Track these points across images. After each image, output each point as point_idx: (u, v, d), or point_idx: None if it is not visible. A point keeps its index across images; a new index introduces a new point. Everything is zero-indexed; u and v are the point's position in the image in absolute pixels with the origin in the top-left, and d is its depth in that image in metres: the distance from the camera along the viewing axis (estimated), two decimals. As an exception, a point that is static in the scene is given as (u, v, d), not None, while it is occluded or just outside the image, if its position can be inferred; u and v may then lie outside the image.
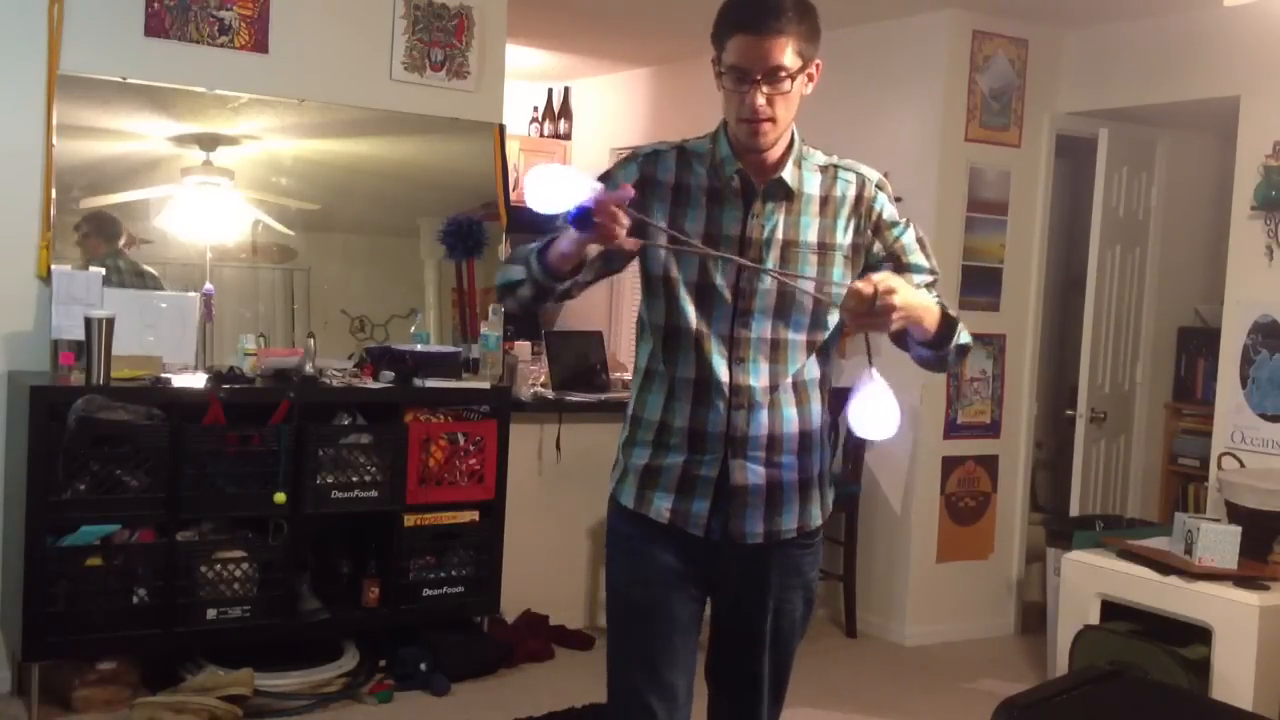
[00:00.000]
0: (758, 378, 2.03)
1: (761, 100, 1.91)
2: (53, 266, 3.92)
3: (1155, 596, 3.90)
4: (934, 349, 2.01)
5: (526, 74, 6.87)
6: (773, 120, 1.93)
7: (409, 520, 4.17)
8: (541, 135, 7.37)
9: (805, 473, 2.10)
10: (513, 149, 6.51)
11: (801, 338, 2.05)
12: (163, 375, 3.89)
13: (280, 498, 3.90)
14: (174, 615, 3.77)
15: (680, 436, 2.06)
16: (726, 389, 2.02)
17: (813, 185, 2.05)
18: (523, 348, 4.95)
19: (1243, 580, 3.77)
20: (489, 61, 4.80)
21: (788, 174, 2.02)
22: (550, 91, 7.35)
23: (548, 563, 4.80)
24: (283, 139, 4.51)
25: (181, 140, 4.31)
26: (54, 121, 3.96)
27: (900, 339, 2.03)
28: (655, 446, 2.10)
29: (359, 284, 4.73)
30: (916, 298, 1.89)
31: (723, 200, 2.02)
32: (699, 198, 2.03)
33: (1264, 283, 4.50)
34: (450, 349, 4.49)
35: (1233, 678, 3.65)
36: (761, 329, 2.02)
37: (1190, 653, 3.79)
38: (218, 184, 4.38)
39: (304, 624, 4.04)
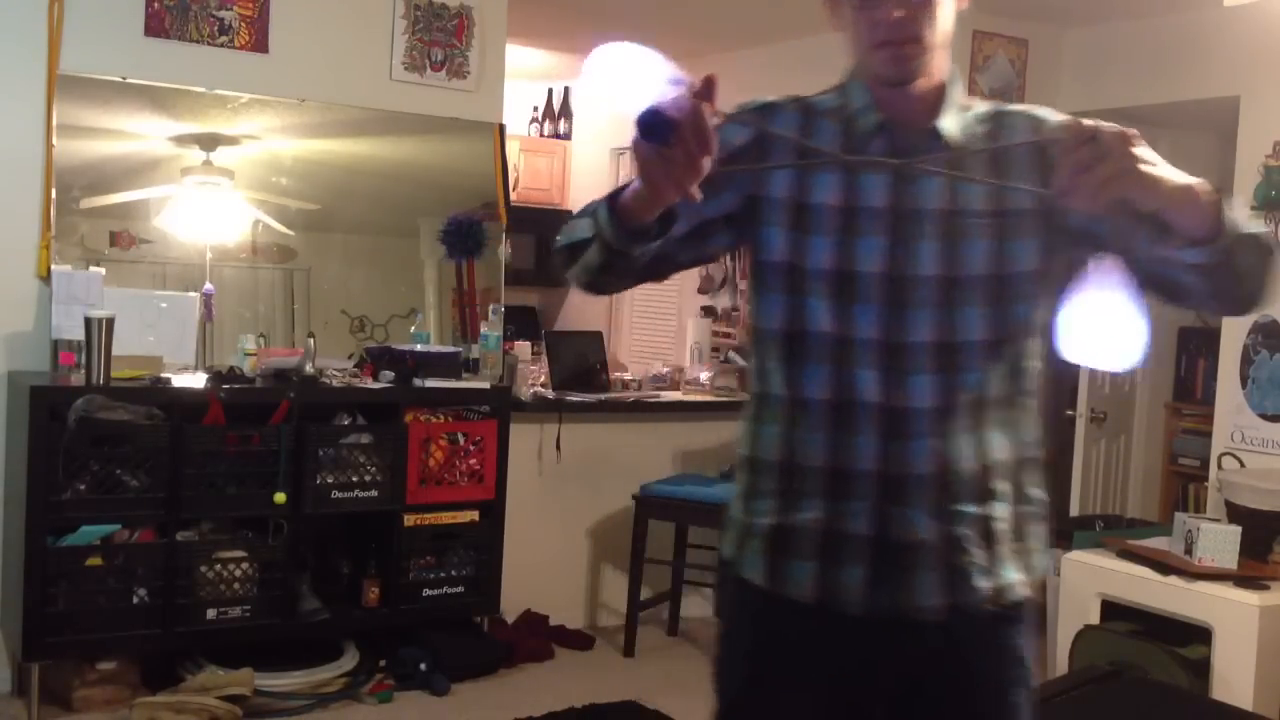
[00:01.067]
0: (922, 395, 1.49)
1: (900, 12, 1.44)
2: (53, 266, 3.92)
3: (1155, 596, 3.90)
4: (1206, 243, 1.35)
5: (526, 74, 6.87)
6: (918, 40, 1.46)
7: (409, 520, 4.17)
8: (541, 135, 7.37)
9: (994, 523, 1.53)
10: (513, 149, 6.52)
11: (983, 337, 1.51)
12: (163, 375, 3.89)
13: (280, 498, 3.90)
14: (174, 615, 3.77)
15: (816, 481, 1.52)
16: (879, 412, 1.49)
17: (977, 136, 1.54)
18: (523, 348, 4.95)
19: (1243, 580, 3.77)
20: (489, 61, 4.80)
21: (946, 123, 1.52)
22: (550, 91, 7.35)
23: (548, 563, 4.80)
24: (283, 139, 4.51)
25: (181, 140, 4.31)
26: (54, 121, 3.96)
27: (1136, 231, 1.41)
28: (783, 497, 1.56)
29: (359, 284, 4.73)
30: (1162, 165, 1.34)
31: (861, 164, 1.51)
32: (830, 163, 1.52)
33: (1264, 283, 4.49)
34: (450, 349, 4.49)
35: (1233, 678, 3.65)
36: (925, 328, 1.49)
37: (1190, 653, 3.79)
38: (218, 184, 4.38)
39: (304, 624, 4.04)
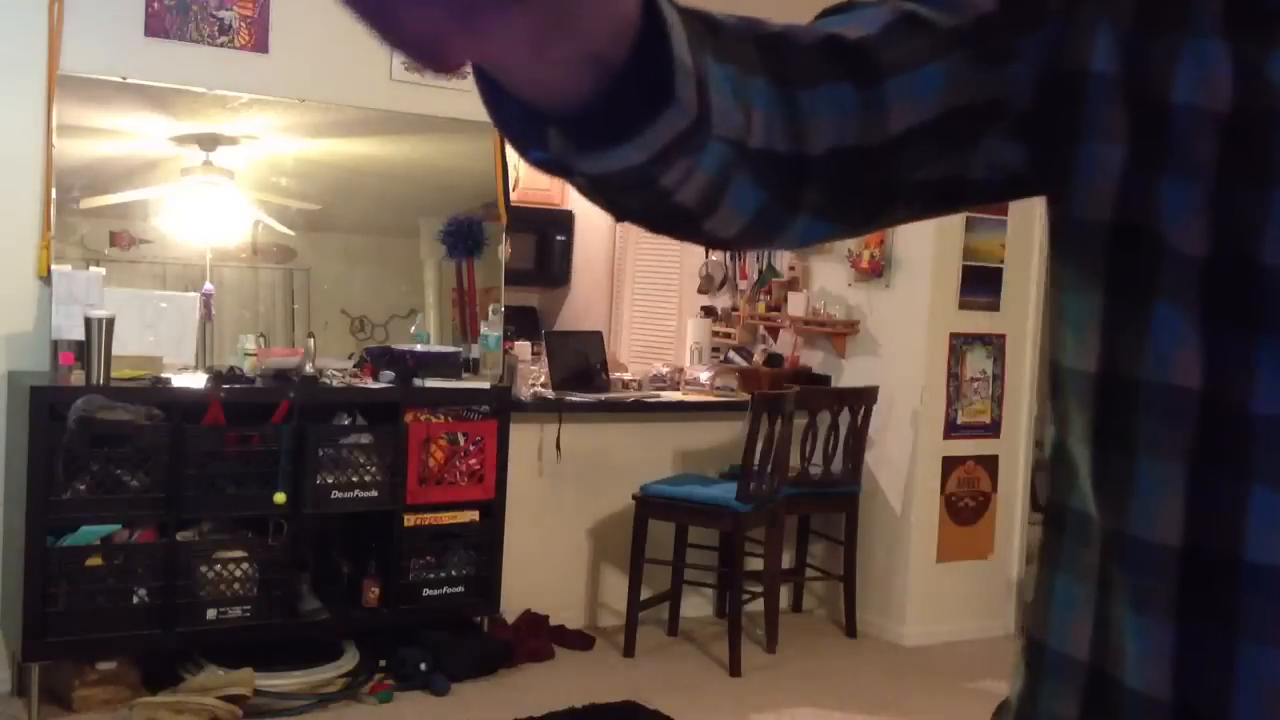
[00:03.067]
0: None
1: None
2: (53, 266, 3.92)
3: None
4: None
5: (526, 74, 6.86)
6: None
7: (409, 520, 4.17)
8: (541, 135, 7.37)
9: None
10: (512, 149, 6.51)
11: None
12: (163, 375, 3.89)
13: (280, 498, 3.90)
14: (174, 615, 3.77)
15: (1145, 712, 0.67)
16: None
17: None
18: (523, 348, 4.95)
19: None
20: (489, 61, 4.79)
21: None
22: (550, 91, 7.34)
23: (548, 563, 4.80)
24: (283, 139, 4.51)
25: (181, 140, 4.31)
26: (54, 121, 3.96)
27: None
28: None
29: (359, 284, 4.73)
30: None
31: (1263, 19, 0.65)
32: (1200, 16, 0.66)
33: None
34: (450, 349, 4.49)
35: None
36: None
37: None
38: (218, 184, 4.38)
39: (304, 624, 4.05)
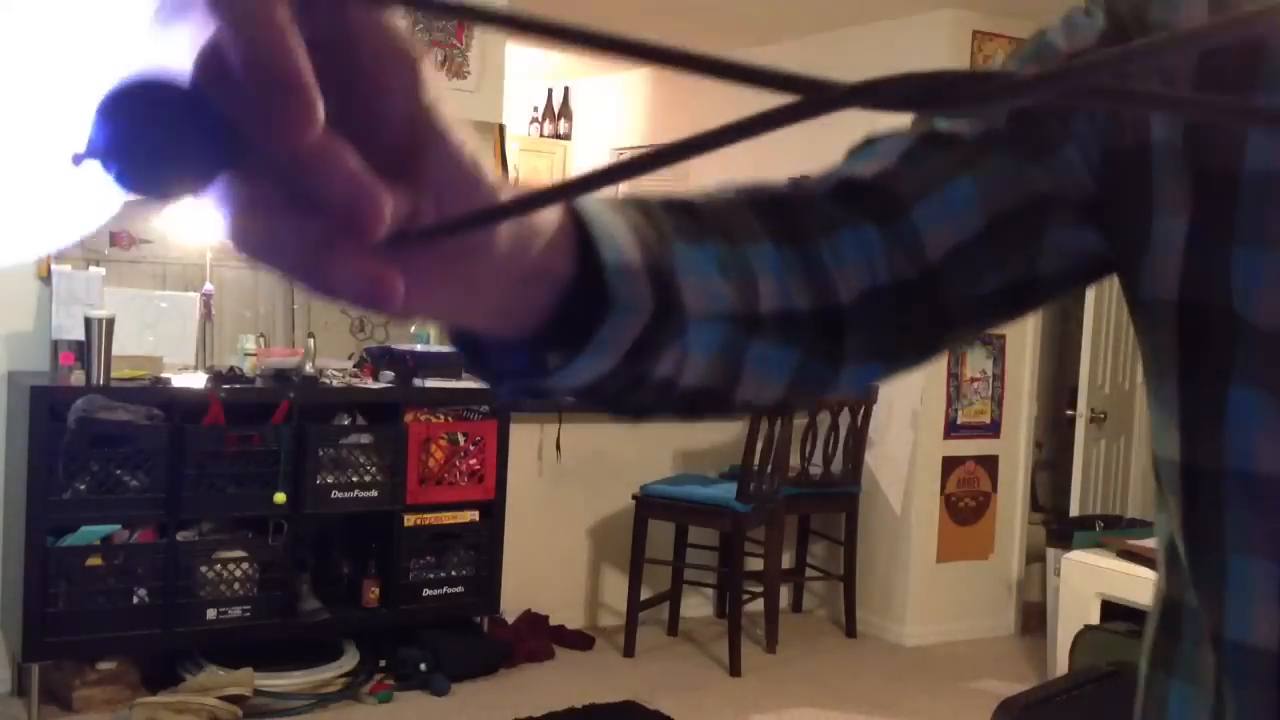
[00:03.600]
0: None
1: None
2: (53, 266, 3.92)
3: (1155, 596, 3.90)
4: None
5: (526, 74, 6.87)
6: None
7: (409, 520, 4.17)
8: (541, 135, 7.37)
9: None
10: (513, 149, 6.52)
11: None
12: (163, 375, 3.89)
13: (280, 498, 3.90)
14: (174, 615, 3.77)
15: None
16: None
17: None
18: (523, 348, 4.95)
19: (1243, 580, 3.76)
20: (489, 61, 4.80)
21: None
22: (550, 91, 7.35)
23: (548, 563, 4.80)
24: (283, 139, 4.51)
25: (181, 140, 4.30)
26: (54, 121, 3.96)
27: None
28: None
29: (359, 284, 4.73)
30: None
31: None
32: (1270, 74, 0.62)
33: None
34: (450, 349, 4.49)
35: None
36: None
37: (1190, 653, 3.79)
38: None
39: (304, 624, 4.05)
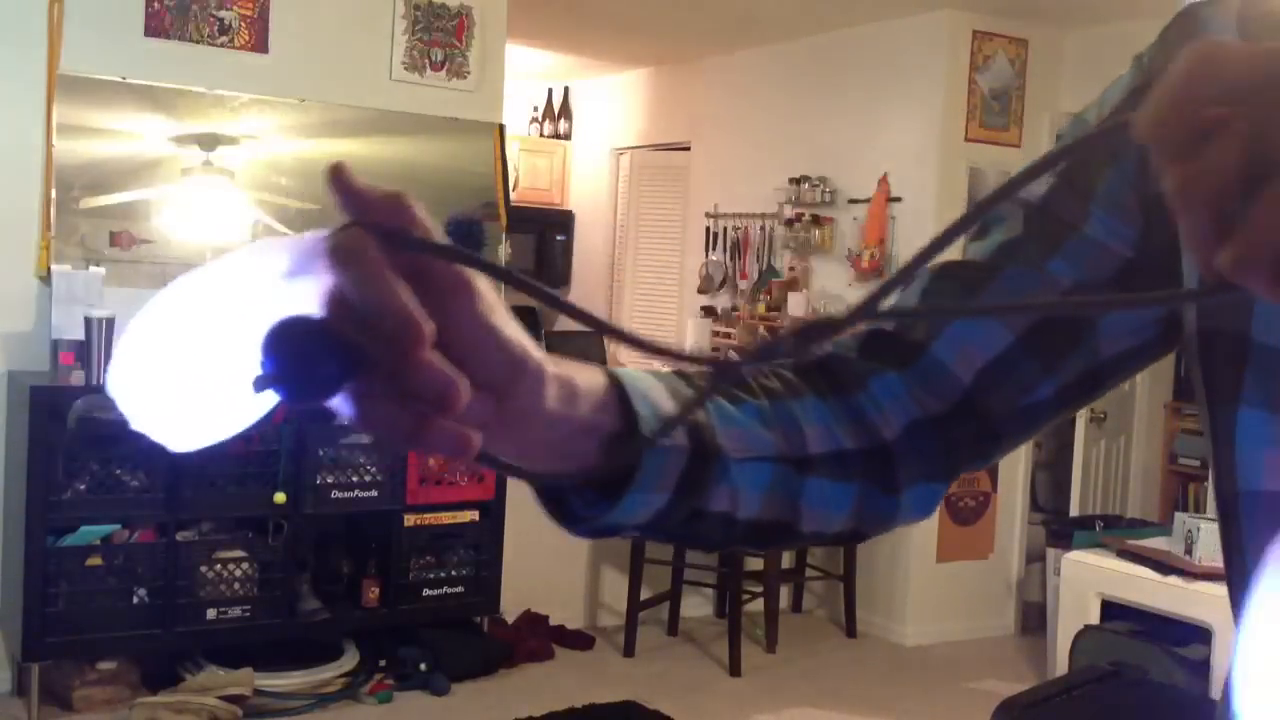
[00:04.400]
0: None
1: None
2: (53, 266, 3.92)
3: (1155, 596, 3.91)
4: None
5: (526, 74, 6.87)
6: None
7: (409, 520, 4.17)
8: (541, 135, 7.37)
9: None
10: (513, 149, 6.52)
11: None
12: (163, 375, 3.89)
13: (280, 498, 3.90)
14: (174, 615, 3.77)
15: None
16: None
17: None
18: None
19: (1243, 580, 3.76)
20: (489, 61, 4.80)
21: None
22: (550, 91, 7.35)
23: (548, 563, 4.80)
24: (283, 139, 4.51)
25: (181, 140, 4.30)
26: (54, 121, 3.96)
27: None
28: None
29: (359, 284, 4.73)
30: None
31: None
32: None
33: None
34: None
35: (1233, 678, 3.64)
36: None
37: (1190, 653, 3.79)
38: (218, 184, 4.38)
39: (304, 624, 4.05)
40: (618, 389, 0.59)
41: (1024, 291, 0.72)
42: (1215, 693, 3.65)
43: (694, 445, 0.62)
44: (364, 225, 0.45)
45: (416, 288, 0.45)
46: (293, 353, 0.45)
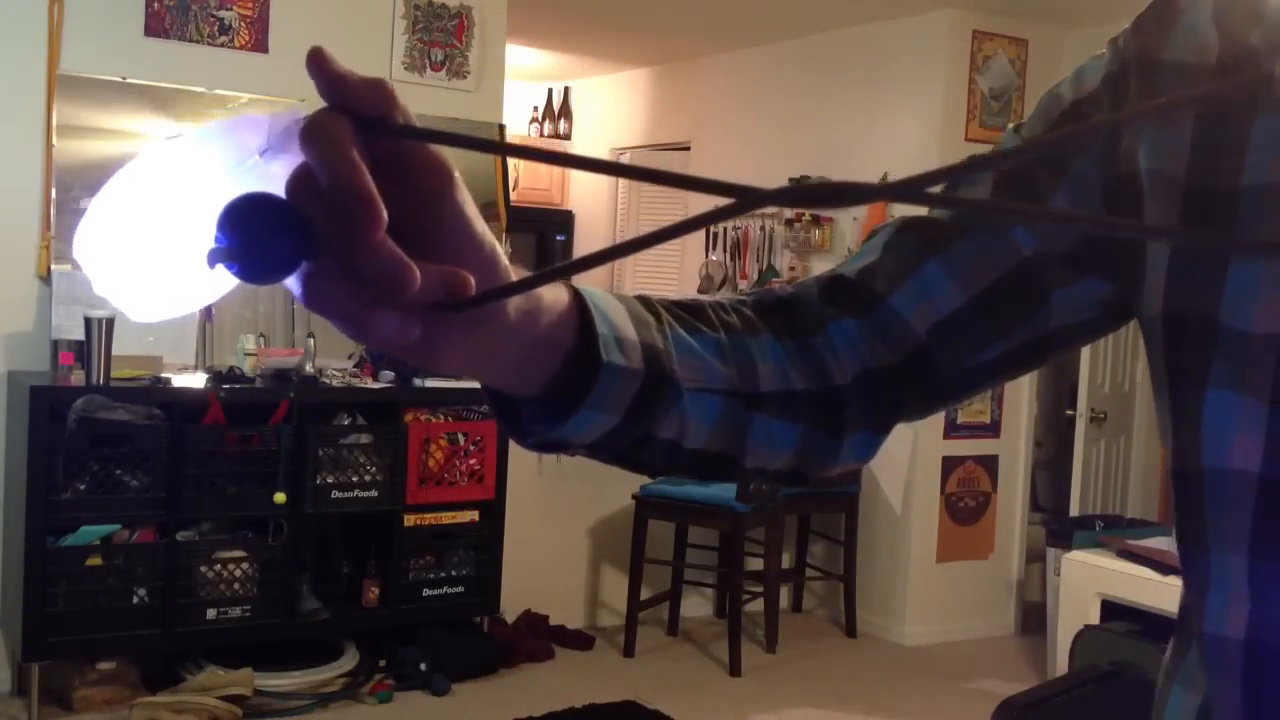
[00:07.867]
0: None
1: None
2: (53, 266, 3.92)
3: (1155, 596, 3.90)
4: None
5: (526, 74, 6.87)
6: None
7: (409, 520, 4.17)
8: (541, 135, 7.37)
9: None
10: (513, 149, 6.52)
11: None
12: (163, 375, 3.89)
13: (280, 498, 3.90)
14: (174, 615, 3.77)
15: None
16: None
17: None
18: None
19: (1243, 580, 3.76)
20: (489, 61, 4.80)
21: None
22: (550, 91, 7.35)
23: (548, 563, 4.80)
24: (283, 139, 4.51)
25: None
26: (54, 121, 3.96)
27: None
28: None
29: (359, 284, 4.73)
30: None
31: None
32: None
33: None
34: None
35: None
36: None
37: (1190, 653, 3.79)
38: (218, 184, 4.38)
39: (304, 624, 4.04)
40: (580, 306, 0.60)
41: (989, 253, 0.74)
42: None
43: (649, 370, 0.63)
44: (343, 110, 0.45)
45: (395, 177, 0.47)
46: (247, 229, 0.45)
